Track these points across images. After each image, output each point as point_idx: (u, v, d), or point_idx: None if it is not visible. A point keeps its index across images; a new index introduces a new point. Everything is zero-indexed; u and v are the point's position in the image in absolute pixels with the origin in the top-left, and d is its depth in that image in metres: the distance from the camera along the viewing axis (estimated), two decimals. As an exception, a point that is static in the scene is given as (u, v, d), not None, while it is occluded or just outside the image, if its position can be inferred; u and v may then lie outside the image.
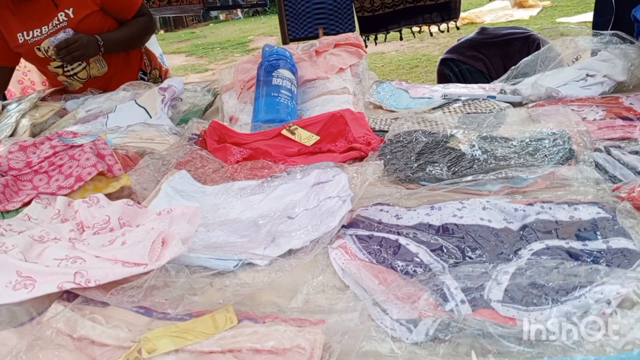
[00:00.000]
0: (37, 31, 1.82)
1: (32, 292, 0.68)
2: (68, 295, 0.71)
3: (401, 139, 1.13)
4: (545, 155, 0.96)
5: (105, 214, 0.88)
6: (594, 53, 1.36)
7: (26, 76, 2.42)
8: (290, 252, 0.77)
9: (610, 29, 1.57)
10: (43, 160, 1.07)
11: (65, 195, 0.97)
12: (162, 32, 11.20)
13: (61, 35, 1.78)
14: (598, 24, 2.16)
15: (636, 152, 0.93)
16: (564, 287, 0.53)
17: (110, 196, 0.99)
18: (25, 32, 1.83)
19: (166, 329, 0.62)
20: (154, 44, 2.82)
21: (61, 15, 1.82)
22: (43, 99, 1.89)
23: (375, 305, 0.63)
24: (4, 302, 0.67)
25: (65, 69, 1.91)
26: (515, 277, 0.56)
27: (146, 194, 1.02)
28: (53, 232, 0.84)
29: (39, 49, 1.83)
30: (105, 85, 1.98)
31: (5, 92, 2.32)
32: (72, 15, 1.82)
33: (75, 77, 1.94)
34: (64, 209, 0.92)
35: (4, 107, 1.78)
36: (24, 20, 1.83)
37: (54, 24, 1.82)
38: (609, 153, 0.95)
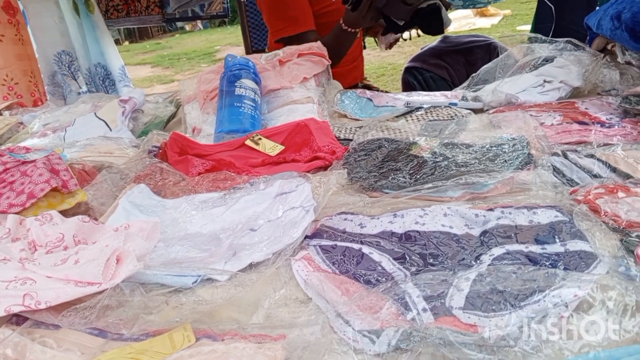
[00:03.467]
0: None
1: (-23, 317, 0.64)
2: (17, 319, 0.67)
3: (365, 147, 1.13)
4: (505, 161, 0.98)
5: (59, 232, 0.84)
6: (549, 60, 1.39)
7: (12, 90, 2.35)
8: (251, 265, 0.75)
9: (551, 36, 1.62)
10: (-7, 177, 1.02)
11: (17, 213, 0.92)
12: (126, 43, 11.02)
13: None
14: (538, 30, 2.25)
15: (592, 156, 0.96)
16: (523, 292, 0.53)
17: (66, 213, 0.96)
18: None
19: (121, 350, 0.60)
20: (114, 56, 2.75)
21: None
22: (-2, 113, 1.82)
23: (337, 317, 0.62)
24: (-54, 329, 0.64)
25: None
26: (475, 283, 0.55)
27: (104, 209, 0.98)
28: (2, 253, 0.79)
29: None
30: None
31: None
32: None
33: None
34: (15, 228, 0.87)
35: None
36: None
37: None
38: (566, 157, 0.97)
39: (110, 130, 1.51)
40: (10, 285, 0.70)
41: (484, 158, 1.00)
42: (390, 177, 0.96)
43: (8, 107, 1.90)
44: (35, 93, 2.42)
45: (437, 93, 1.50)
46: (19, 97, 2.30)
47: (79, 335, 0.64)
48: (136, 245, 0.74)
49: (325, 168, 1.10)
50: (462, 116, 1.27)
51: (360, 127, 1.32)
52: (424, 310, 0.57)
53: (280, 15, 1.73)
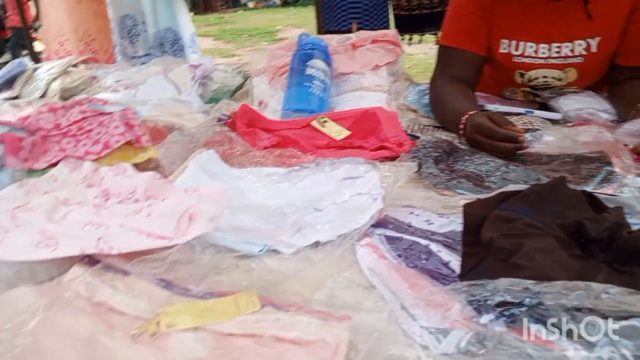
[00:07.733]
0: (542, 47, 1.26)
1: (54, 252, 0.66)
2: (89, 260, 0.69)
3: (434, 144, 1.10)
4: (585, 176, 0.93)
5: (132, 184, 0.86)
6: None
7: (89, 46, 2.41)
8: (316, 244, 0.74)
9: None
10: (72, 124, 1.05)
11: (93, 160, 0.95)
12: (191, 14, 11.22)
13: None
14: None
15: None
16: (615, 314, 0.50)
17: (137, 167, 0.98)
18: (513, 43, 1.28)
19: (187, 306, 0.61)
20: (186, 22, 2.79)
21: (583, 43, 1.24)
22: (74, 66, 1.88)
23: (402, 310, 0.60)
24: (26, 260, 0.66)
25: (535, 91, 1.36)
26: (560, 297, 0.53)
27: (173, 168, 1.00)
28: (78, 197, 0.82)
29: (522, 75, 1.31)
30: None
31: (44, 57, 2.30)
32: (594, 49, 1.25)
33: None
34: (90, 175, 0.90)
35: (34, 70, 1.78)
36: (526, 23, 1.26)
37: (568, 49, 1.26)
38: (654, 179, 0.92)
39: (180, 93, 1.53)
40: (85, 227, 0.73)
41: (562, 170, 0.96)
42: (464, 178, 0.93)
43: (84, 62, 1.97)
44: (108, 51, 2.50)
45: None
46: (94, 52, 2.38)
47: (146, 285, 0.65)
48: (208, 207, 0.75)
49: (392, 159, 1.08)
50: (537, 129, 1.20)
51: (428, 126, 1.30)
52: (498, 317, 0.55)
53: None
